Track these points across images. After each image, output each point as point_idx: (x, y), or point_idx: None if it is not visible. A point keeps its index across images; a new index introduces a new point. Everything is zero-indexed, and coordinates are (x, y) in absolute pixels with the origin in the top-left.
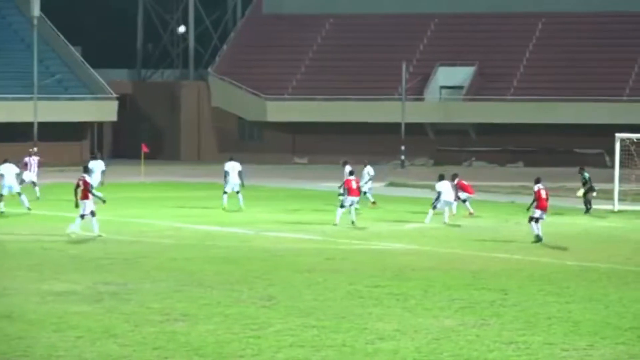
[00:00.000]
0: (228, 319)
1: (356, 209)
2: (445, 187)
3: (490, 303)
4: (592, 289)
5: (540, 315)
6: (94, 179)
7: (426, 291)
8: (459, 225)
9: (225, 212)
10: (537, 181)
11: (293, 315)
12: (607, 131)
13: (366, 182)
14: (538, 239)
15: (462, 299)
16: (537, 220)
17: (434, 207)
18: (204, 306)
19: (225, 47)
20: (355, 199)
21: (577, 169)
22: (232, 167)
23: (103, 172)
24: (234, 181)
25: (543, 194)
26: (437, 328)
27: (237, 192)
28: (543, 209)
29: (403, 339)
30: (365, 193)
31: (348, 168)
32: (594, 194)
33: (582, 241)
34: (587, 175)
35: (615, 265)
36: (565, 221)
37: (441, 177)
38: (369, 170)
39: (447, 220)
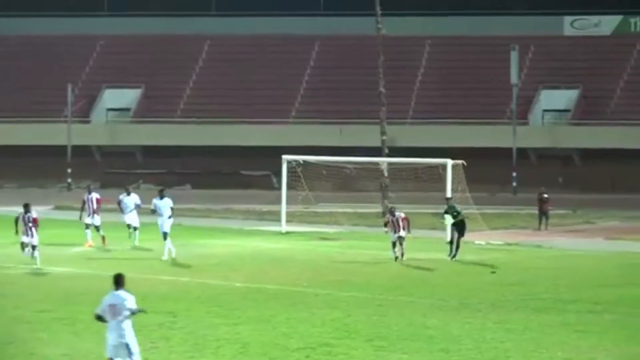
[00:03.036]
0: None
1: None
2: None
3: (158, 326)
4: (261, 310)
5: (209, 337)
6: None
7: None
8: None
9: None
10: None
11: None
12: (274, 153)
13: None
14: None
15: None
16: None
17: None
18: None
19: None
20: None
21: (245, 190)
22: None
23: None
24: None
25: None
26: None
27: None
28: None
29: None
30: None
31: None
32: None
33: (251, 263)
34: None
35: (283, 287)
36: (234, 242)
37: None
38: None
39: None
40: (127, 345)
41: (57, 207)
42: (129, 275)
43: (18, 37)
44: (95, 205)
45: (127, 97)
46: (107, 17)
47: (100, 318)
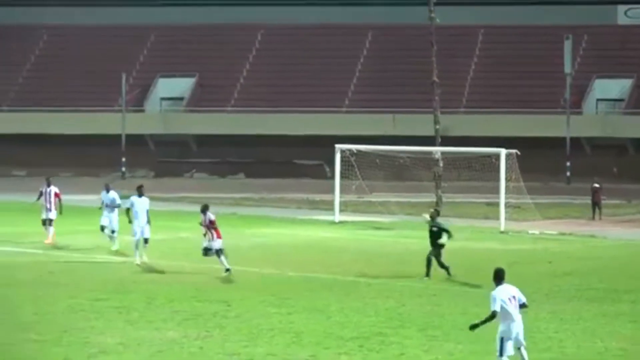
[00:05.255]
0: None
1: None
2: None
3: (213, 315)
4: (314, 299)
5: (262, 326)
6: None
7: (149, 304)
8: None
9: None
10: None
11: (14, 330)
12: (326, 142)
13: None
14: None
15: (185, 310)
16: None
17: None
18: None
19: None
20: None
21: (298, 179)
22: None
23: None
24: None
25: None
26: (160, 340)
27: None
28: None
29: (126, 352)
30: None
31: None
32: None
33: (304, 252)
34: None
35: (336, 276)
36: (287, 232)
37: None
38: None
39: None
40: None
41: None
42: (180, 264)
43: (73, 27)
44: (53, 200)
45: (180, 86)
46: (161, 6)
47: (493, 317)
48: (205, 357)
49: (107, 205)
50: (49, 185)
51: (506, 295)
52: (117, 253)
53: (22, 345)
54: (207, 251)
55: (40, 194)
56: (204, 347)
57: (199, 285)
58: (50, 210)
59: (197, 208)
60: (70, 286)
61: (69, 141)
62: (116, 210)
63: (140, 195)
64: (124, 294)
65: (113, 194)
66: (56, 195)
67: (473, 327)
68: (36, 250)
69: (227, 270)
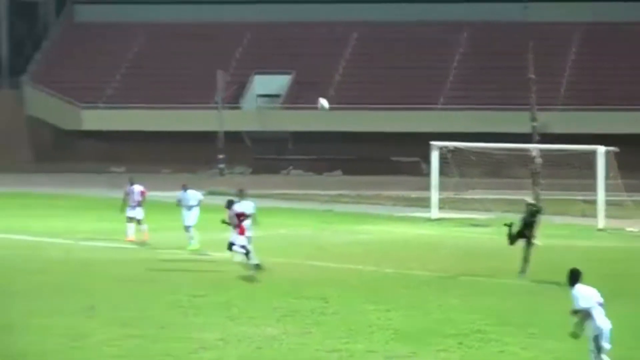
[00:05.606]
0: (48, 330)
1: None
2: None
3: (311, 311)
4: (412, 296)
5: (361, 323)
6: None
7: (248, 300)
8: None
9: (43, 222)
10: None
11: (114, 326)
12: (422, 139)
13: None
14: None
15: (283, 307)
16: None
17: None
18: (22, 317)
19: (38, 55)
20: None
21: (394, 176)
22: None
23: None
24: None
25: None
26: (260, 337)
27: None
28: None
29: (227, 347)
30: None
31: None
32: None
33: (401, 249)
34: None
35: (434, 273)
36: (384, 228)
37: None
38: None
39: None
40: None
41: (211, 193)
42: (277, 261)
43: (169, 24)
44: (139, 198)
45: (277, 83)
46: (257, 3)
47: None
48: (305, 354)
49: (184, 205)
50: (132, 184)
51: (588, 293)
52: (196, 252)
53: (124, 341)
54: (231, 246)
55: (126, 194)
56: (304, 343)
57: (295, 282)
58: (134, 208)
59: (295, 205)
60: (169, 283)
61: (166, 138)
62: (194, 208)
63: (241, 199)
64: (223, 290)
65: (192, 193)
66: (142, 193)
67: (574, 335)
68: (135, 247)
69: (256, 265)
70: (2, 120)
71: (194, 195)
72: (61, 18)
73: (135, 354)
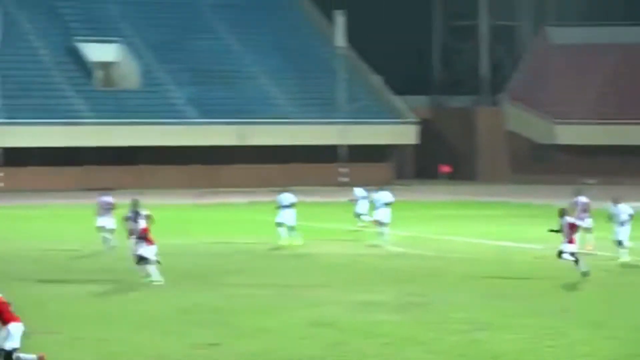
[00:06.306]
0: (527, 329)
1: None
2: None
3: None
4: None
5: None
6: None
7: None
8: None
9: (518, 230)
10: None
11: (587, 327)
12: None
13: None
14: None
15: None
16: None
17: None
18: (503, 317)
19: (516, 75)
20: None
21: None
22: None
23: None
24: None
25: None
26: None
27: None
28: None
29: None
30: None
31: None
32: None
33: None
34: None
35: None
36: None
37: None
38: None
39: None
40: None
41: None
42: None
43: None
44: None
45: None
46: None
47: None
48: None
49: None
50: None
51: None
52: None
53: (596, 342)
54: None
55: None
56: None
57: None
58: (582, 219)
59: None
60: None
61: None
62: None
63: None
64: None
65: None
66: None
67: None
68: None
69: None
70: (483, 134)
71: (625, 209)
72: (536, 40)
73: (607, 356)
